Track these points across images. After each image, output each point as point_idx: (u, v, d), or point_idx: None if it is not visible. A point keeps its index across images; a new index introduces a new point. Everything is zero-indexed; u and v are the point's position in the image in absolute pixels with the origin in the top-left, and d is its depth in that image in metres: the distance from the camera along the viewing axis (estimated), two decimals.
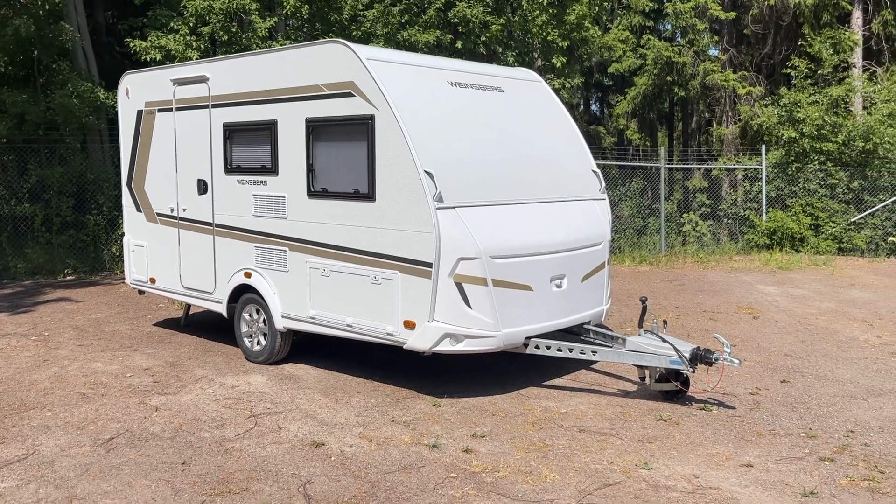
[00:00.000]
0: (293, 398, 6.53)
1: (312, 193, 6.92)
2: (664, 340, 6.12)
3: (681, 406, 6.15)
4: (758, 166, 17.45)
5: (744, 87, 18.15)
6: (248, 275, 7.62)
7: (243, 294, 7.75)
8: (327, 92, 6.68)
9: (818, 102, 17.35)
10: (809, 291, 11.61)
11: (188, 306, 9.43)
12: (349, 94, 6.49)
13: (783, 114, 17.58)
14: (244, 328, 7.81)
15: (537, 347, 6.44)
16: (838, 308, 10.29)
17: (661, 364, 6.02)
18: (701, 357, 5.92)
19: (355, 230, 6.57)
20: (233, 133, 7.68)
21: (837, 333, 8.77)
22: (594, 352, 6.29)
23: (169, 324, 9.66)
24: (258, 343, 7.68)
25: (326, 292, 6.87)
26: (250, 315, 7.73)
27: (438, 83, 6.83)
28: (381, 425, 5.82)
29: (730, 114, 18.95)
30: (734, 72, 18.27)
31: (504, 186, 6.68)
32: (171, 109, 8.35)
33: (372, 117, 6.33)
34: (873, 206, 16.66)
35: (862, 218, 16.86)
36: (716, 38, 18.14)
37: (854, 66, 20.00)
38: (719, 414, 5.98)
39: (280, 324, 7.34)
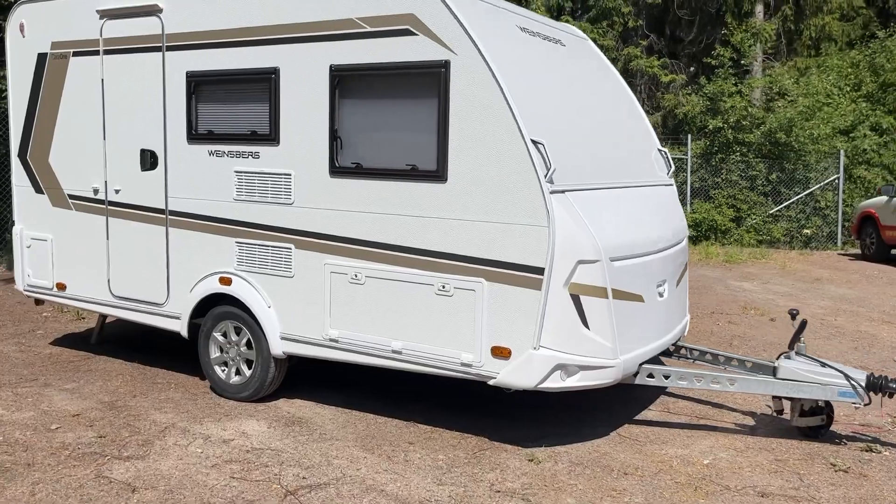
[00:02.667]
0: (326, 457, 4.64)
1: (338, 170, 5.02)
2: (824, 365, 4.80)
3: (836, 446, 4.88)
4: (683, 156, 16.89)
5: (666, 75, 17.54)
6: (225, 281, 5.56)
7: (215, 307, 5.69)
8: (368, 29, 4.80)
9: (741, 93, 17.04)
10: (788, 288, 10.89)
11: (102, 319, 7.14)
12: (407, 32, 4.66)
13: (706, 103, 17.14)
14: (215, 353, 5.75)
15: (651, 377, 4.94)
16: (839, 307, 9.55)
17: (827, 396, 4.70)
18: (881, 386, 4.65)
19: (412, 222, 4.76)
20: (202, 86, 5.57)
21: (879, 338, 7.92)
22: (731, 381, 4.87)
23: (73, 341, 7.30)
24: (237, 373, 5.66)
25: (359, 306, 5.01)
26: (226, 335, 5.68)
27: (510, 26, 5.13)
28: (488, 500, 4.10)
29: (647, 102, 18.33)
30: (657, 58, 17.61)
31: (596, 165, 5.11)
32: (96, 52, 6.07)
33: (446, 64, 4.54)
34: (789, 199, 16.55)
35: (778, 210, 16.73)
36: (640, 21, 17.43)
37: (755, 60, 20.01)
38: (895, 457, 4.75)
39: (279, 348, 5.37)
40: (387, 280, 4.89)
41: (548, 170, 4.34)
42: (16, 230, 6.81)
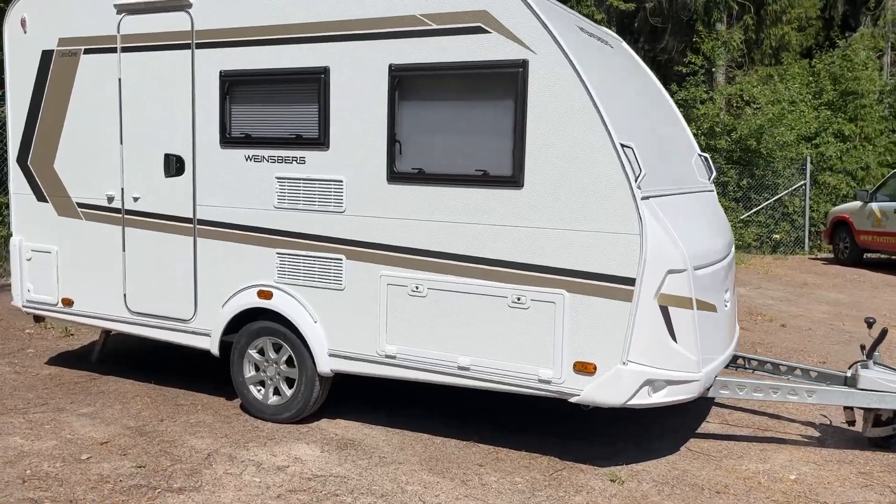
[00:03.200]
0: (397, 483, 4.33)
1: (398, 176, 4.72)
2: None
3: None
4: None
5: None
6: (265, 294, 5.20)
7: (250, 322, 5.32)
8: (433, 26, 4.53)
9: (713, 100, 17.25)
10: (782, 293, 10.97)
11: (105, 336, 6.65)
12: (479, 30, 4.41)
13: (679, 110, 17.29)
14: (250, 372, 5.38)
15: (725, 389, 4.78)
16: (840, 311, 9.63)
17: None
18: None
19: (482, 230, 4.50)
20: (238, 86, 5.21)
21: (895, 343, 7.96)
22: (810, 393, 4.73)
23: (70, 360, 6.80)
24: (275, 392, 5.30)
25: (420, 320, 4.72)
26: (263, 353, 5.31)
27: (573, 26, 4.93)
28: None
29: None
30: None
31: (660, 170, 4.93)
32: (112, 50, 5.63)
33: (524, 64, 4.30)
34: (759, 205, 16.81)
35: (749, 216, 16.98)
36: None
37: (720, 69, 20.31)
38: None
39: (327, 365, 5.04)
40: (452, 292, 4.61)
41: (637, 175, 4.14)
42: (14, 241, 6.29)
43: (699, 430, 5.24)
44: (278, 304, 5.15)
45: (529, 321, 4.41)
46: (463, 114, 4.52)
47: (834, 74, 19.51)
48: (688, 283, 4.31)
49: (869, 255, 14.22)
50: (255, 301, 5.24)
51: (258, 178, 5.17)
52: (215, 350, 5.45)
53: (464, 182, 4.53)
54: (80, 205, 5.93)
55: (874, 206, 13.49)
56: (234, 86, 5.21)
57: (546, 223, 4.33)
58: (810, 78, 19.88)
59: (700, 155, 6.05)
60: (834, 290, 11.32)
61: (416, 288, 4.71)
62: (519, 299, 4.42)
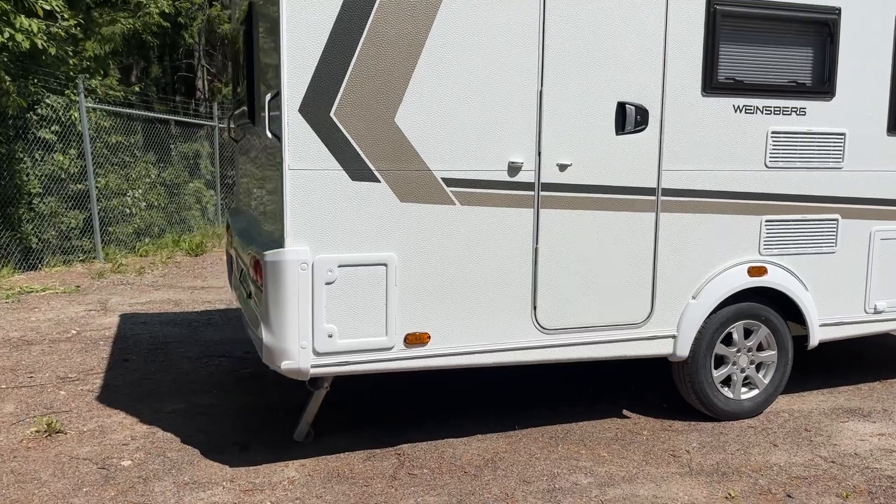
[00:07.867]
0: None
1: None
2: None
3: None
4: None
5: None
6: (757, 271, 4.40)
7: (717, 309, 4.41)
8: None
9: None
10: None
11: (320, 401, 4.29)
12: None
13: None
14: (715, 372, 4.46)
15: None
16: None
17: None
18: None
19: None
20: (730, 20, 4.16)
21: None
22: None
23: (211, 447, 4.18)
24: (745, 384, 4.57)
25: None
26: (734, 344, 4.48)
27: None
28: None
29: None
30: None
31: None
32: None
33: None
34: None
35: None
36: None
37: None
38: None
39: (817, 337, 4.63)
40: None
41: None
42: (289, 256, 3.57)
43: None
44: (774, 279, 4.44)
45: None
46: None
47: None
48: None
49: None
50: (745, 281, 4.38)
51: (747, 133, 4.30)
52: (684, 353, 4.33)
53: None
54: (451, 181, 3.79)
55: None
56: (726, 18, 4.16)
57: None
58: None
59: None
60: None
61: None
62: None
